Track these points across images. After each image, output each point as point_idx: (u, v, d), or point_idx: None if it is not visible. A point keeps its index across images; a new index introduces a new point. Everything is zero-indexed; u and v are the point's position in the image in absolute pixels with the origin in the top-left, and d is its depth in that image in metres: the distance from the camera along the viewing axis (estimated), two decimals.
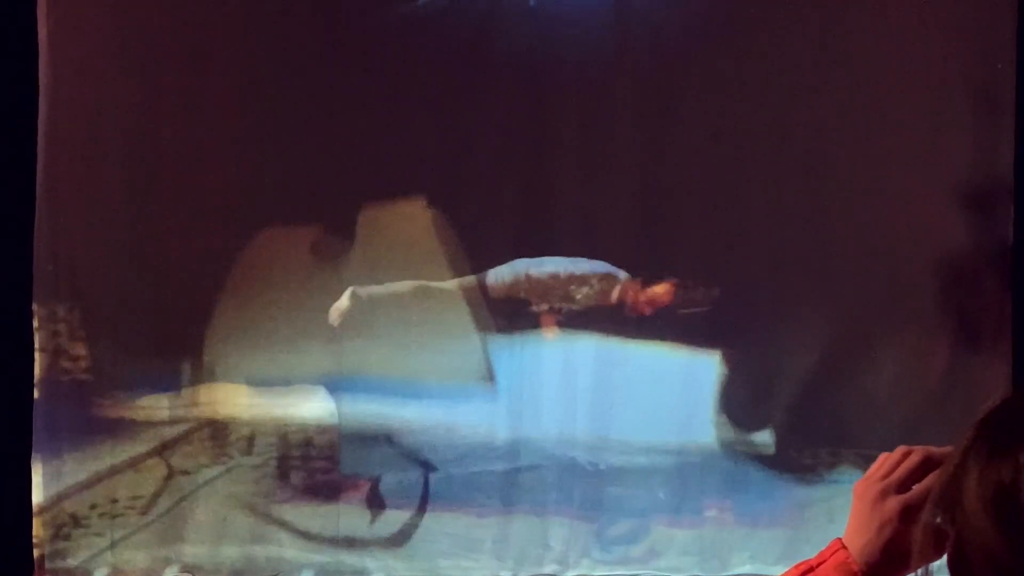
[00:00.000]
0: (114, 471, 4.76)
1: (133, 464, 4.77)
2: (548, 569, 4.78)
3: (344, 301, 4.80)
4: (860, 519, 1.51)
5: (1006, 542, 1.26)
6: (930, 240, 4.81)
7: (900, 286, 4.81)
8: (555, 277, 4.82)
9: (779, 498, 4.80)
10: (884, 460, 1.54)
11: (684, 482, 4.78)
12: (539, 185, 4.82)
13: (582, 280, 4.82)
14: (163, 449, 4.78)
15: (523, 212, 4.83)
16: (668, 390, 4.80)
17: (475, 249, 4.81)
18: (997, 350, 4.77)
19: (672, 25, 4.78)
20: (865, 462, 4.63)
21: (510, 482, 4.79)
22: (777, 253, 4.82)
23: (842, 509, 5.16)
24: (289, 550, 4.77)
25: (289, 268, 4.81)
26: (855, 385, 4.79)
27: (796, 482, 4.80)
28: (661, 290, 4.82)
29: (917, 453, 1.52)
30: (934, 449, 1.51)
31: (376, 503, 4.80)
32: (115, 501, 4.76)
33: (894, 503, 1.49)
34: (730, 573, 4.77)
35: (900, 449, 1.54)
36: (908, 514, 1.47)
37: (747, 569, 4.76)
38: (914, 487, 1.50)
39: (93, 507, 4.75)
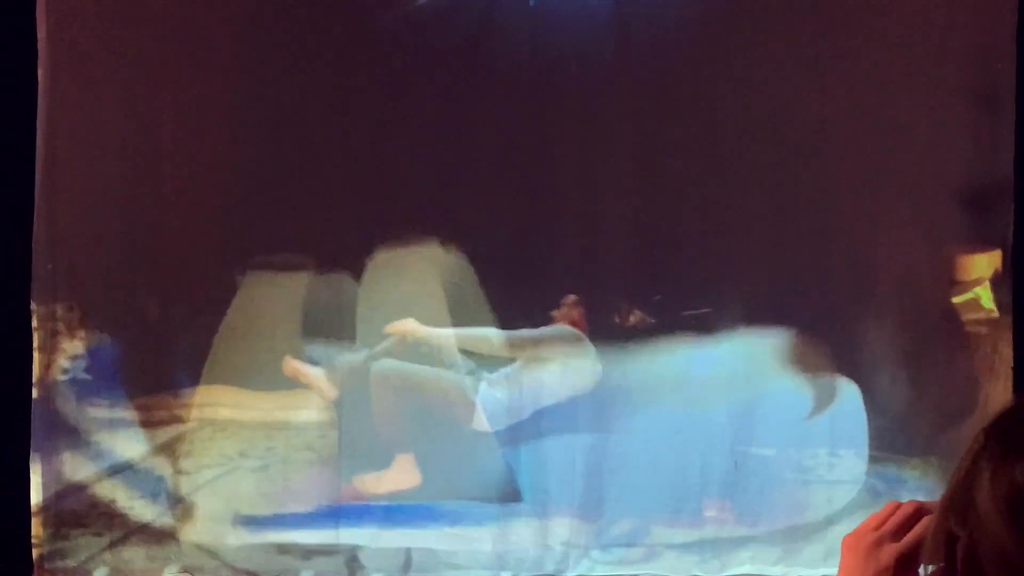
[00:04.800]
0: (114, 471, 4.75)
1: (133, 464, 4.77)
2: (548, 569, 4.78)
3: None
4: (853, 571, 1.51)
5: (1019, 543, 1.26)
6: (930, 240, 4.81)
7: (900, 286, 4.81)
8: None
9: (779, 498, 4.79)
10: (873, 516, 1.55)
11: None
12: (539, 184, 4.83)
13: None
14: (163, 449, 4.78)
15: (523, 213, 4.83)
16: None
17: (475, 257, 4.83)
18: (997, 350, 4.77)
19: (672, 25, 4.78)
20: (863, 462, 4.64)
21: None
22: (776, 252, 4.82)
23: (841, 509, 5.16)
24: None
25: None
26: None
27: (796, 482, 4.79)
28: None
29: (909, 504, 1.54)
30: (925, 501, 1.52)
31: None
32: (115, 501, 4.76)
33: (890, 550, 1.50)
34: (730, 573, 4.76)
35: (890, 503, 1.55)
36: (904, 562, 1.48)
37: (747, 569, 4.76)
38: (907, 536, 1.50)
39: (93, 507, 4.75)
